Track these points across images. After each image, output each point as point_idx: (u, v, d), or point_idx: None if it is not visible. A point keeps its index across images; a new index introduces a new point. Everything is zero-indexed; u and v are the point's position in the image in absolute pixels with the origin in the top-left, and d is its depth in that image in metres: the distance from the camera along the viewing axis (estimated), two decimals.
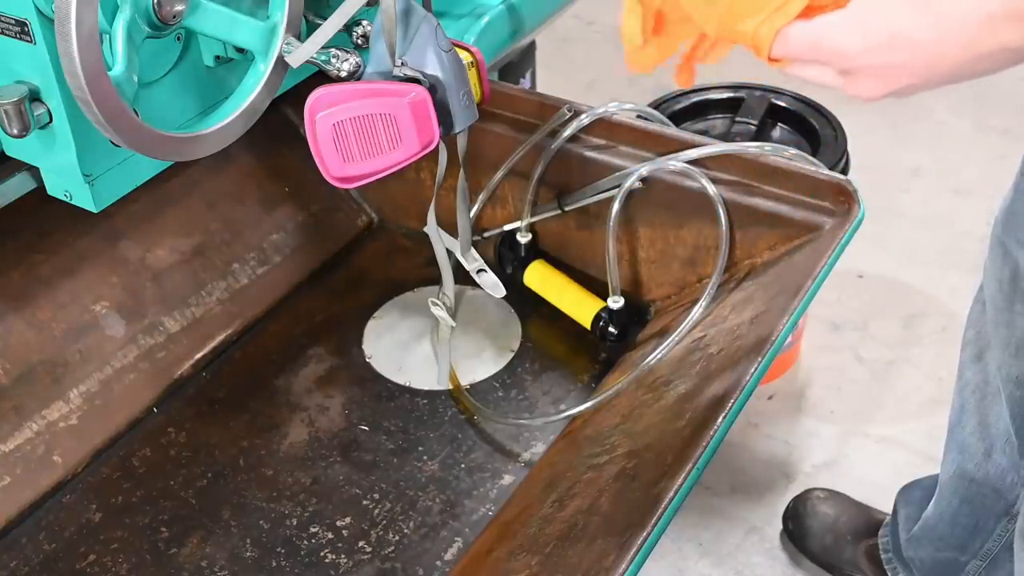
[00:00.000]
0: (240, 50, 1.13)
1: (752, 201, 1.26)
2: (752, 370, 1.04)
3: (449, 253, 1.35)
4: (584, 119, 1.34)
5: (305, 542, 1.18)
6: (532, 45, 1.68)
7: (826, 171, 1.23)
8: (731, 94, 1.82)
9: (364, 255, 1.55)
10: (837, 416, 1.89)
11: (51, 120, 1.02)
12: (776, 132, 1.79)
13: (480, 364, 1.38)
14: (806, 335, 1.98)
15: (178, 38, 1.10)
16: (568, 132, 1.34)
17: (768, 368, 1.06)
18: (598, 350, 1.38)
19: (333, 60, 1.09)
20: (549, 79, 1.92)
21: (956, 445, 1.39)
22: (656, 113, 1.41)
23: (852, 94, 0.80)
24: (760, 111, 1.76)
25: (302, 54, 1.08)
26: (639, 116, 1.37)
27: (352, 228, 1.58)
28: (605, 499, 1.04)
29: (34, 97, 1.01)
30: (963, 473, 1.37)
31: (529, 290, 1.45)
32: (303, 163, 1.15)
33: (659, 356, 1.20)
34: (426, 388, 1.35)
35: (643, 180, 1.30)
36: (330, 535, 1.18)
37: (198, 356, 1.38)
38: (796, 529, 1.66)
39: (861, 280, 2.15)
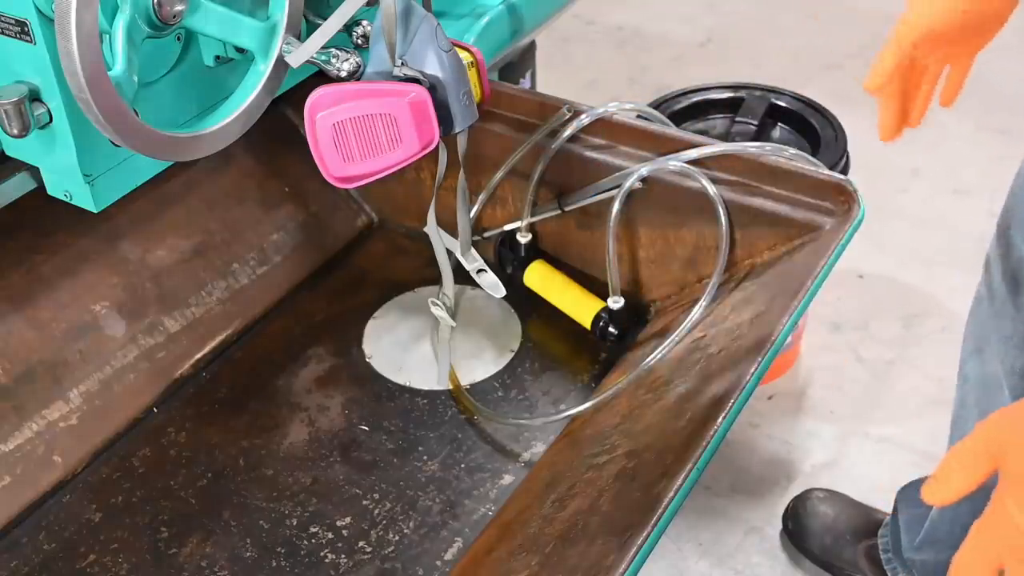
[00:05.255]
0: (240, 50, 1.13)
1: (752, 201, 1.26)
2: (752, 370, 1.04)
3: (449, 253, 1.35)
4: (584, 119, 1.34)
5: (305, 542, 1.18)
6: (532, 45, 1.68)
7: (826, 171, 1.23)
8: (731, 94, 1.81)
9: (364, 255, 1.55)
10: (837, 416, 1.89)
11: (51, 120, 1.02)
12: (776, 132, 1.79)
13: (480, 364, 1.38)
14: (806, 335, 1.98)
15: (178, 38, 1.10)
16: (568, 132, 1.34)
17: (768, 368, 1.06)
18: (598, 350, 1.38)
19: (333, 60, 1.09)
20: (549, 79, 1.92)
21: (958, 441, 1.39)
22: (656, 113, 1.41)
23: None
24: (760, 111, 1.76)
25: (302, 54, 1.08)
26: (639, 116, 1.37)
27: (352, 228, 1.58)
28: (605, 499, 1.04)
29: (34, 97, 1.01)
30: None
31: (529, 290, 1.45)
32: (303, 163, 1.15)
33: (659, 356, 1.20)
34: (426, 388, 1.35)
35: (643, 180, 1.30)
36: (330, 535, 1.18)
37: (198, 356, 1.38)
38: (796, 529, 1.66)
39: (861, 280, 2.15)
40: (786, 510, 1.68)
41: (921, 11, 1.04)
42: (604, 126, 1.34)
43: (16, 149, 1.08)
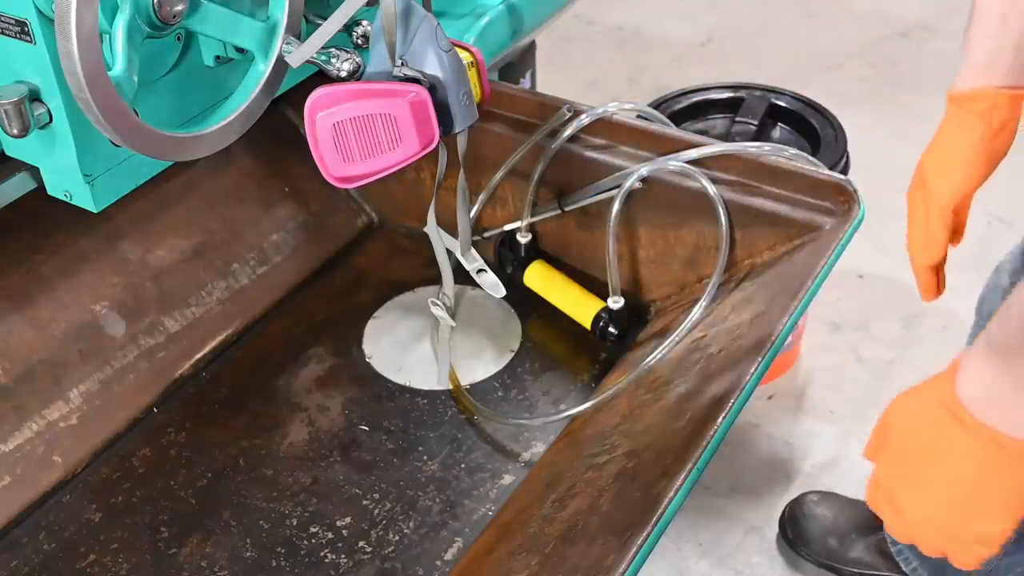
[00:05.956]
0: (240, 50, 1.13)
1: (752, 201, 1.26)
2: (752, 370, 1.04)
3: (449, 253, 1.35)
4: (584, 119, 1.34)
5: (305, 542, 1.18)
6: (532, 45, 1.68)
7: (826, 171, 1.23)
8: (731, 94, 1.81)
9: (364, 255, 1.55)
10: (837, 416, 1.89)
11: (51, 120, 1.02)
12: (776, 132, 1.79)
13: (480, 364, 1.38)
14: (806, 335, 1.98)
15: (178, 38, 1.10)
16: (568, 132, 1.34)
17: (768, 368, 1.06)
18: (598, 350, 1.38)
19: (333, 60, 1.09)
20: (549, 79, 1.92)
21: None
22: (656, 113, 1.41)
23: None
24: (760, 111, 1.76)
25: (302, 54, 1.08)
26: (639, 116, 1.37)
27: (352, 228, 1.58)
28: (605, 499, 1.04)
29: (34, 97, 1.01)
30: None
31: (529, 290, 1.45)
32: (303, 163, 1.15)
33: (659, 356, 1.20)
34: (426, 388, 1.35)
35: (643, 180, 1.30)
36: (330, 535, 1.18)
37: (198, 356, 1.38)
38: (795, 535, 1.65)
39: (861, 280, 2.15)
40: (782, 516, 1.67)
41: (951, 185, 1.11)
42: (604, 126, 1.34)
43: (16, 149, 1.08)
